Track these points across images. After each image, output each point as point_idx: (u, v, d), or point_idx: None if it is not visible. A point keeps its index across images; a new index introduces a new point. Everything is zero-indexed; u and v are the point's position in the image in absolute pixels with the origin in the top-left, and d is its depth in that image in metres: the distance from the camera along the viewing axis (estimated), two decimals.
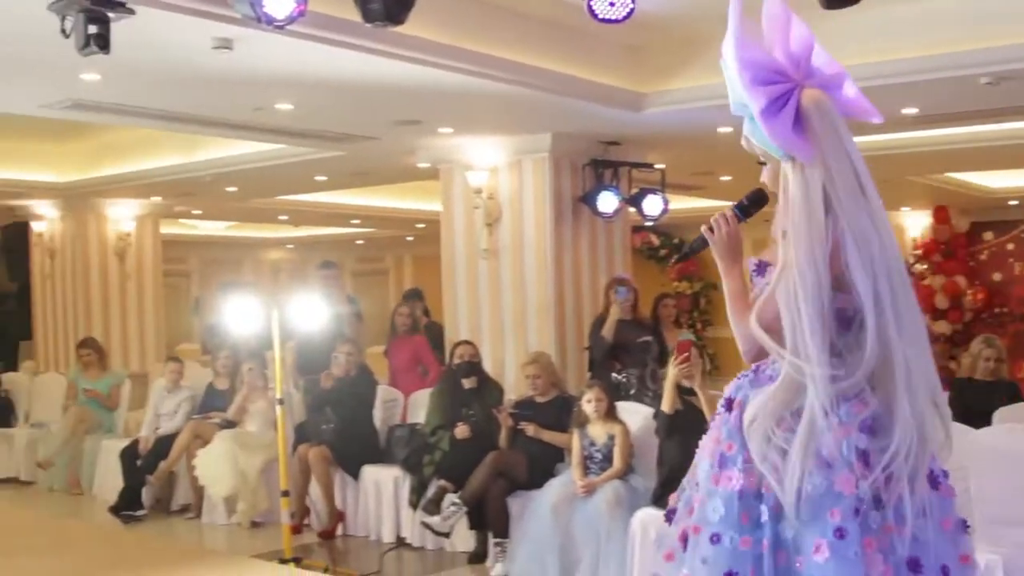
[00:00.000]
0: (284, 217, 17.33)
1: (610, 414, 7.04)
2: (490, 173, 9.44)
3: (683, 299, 18.20)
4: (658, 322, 9.00)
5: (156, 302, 14.05)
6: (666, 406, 6.51)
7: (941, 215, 15.47)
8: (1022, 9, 6.50)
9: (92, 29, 5.23)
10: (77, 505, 9.85)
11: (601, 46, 7.89)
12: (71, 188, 13.02)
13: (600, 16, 5.59)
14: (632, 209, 9.75)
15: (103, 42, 5.26)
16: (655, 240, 18.87)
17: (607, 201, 9.09)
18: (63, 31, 5.30)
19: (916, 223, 16.30)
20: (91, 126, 11.19)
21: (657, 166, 9.84)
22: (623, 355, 8.27)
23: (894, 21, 6.95)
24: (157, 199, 13.81)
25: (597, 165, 9.33)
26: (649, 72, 8.10)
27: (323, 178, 11.99)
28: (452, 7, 6.78)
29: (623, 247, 10.04)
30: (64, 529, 7.90)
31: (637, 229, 18.71)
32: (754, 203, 3.20)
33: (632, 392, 8.00)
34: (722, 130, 8.80)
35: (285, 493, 6.72)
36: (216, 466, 8.39)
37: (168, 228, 17.61)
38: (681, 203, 16.20)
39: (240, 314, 7.13)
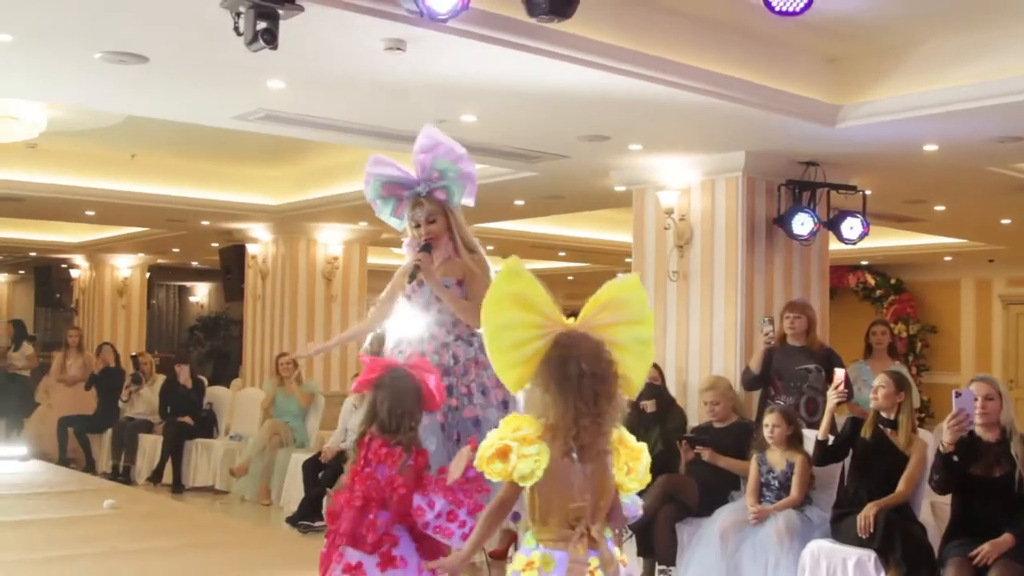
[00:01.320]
0: (491, 247, 17.42)
1: (791, 442, 6.70)
2: (681, 193, 9.18)
3: (899, 342, 17.40)
4: (869, 351, 8.67)
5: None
6: (820, 432, 6.31)
7: None
8: None
9: (260, 24, 5.29)
10: (264, 514, 10.04)
11: (797, 57, 7.56)
12: (283, 211, 13.44)
13: (776, 8, 5.32)
14: (832, 235, 9.29)
15: (270, 37, 5.31)
16: (871, 280, 18.16)
17: (803, 223, 8.68)
18: (236, 28, 5.38)
19: None
20: (302, 151, 11.53)
21: (861, 190, 9.36)
22: (780, 382, 7.87)
23: None
24: (363, 224, 14.09)
25: (794, 186, 8.94)
26: (846, 85, 7.70)
27: (521, 202, 11.95)
28: (639, 13, 6.60)
29: (819, 273, 9.57)
30: (242, 530, 8.06)
31: (853, 268, 18.10)
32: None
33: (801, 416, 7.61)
34: (928, 148, 8.31)
35: None
36: None
37: (380, 258, 18.00)
38: (898, 240, 15.55)
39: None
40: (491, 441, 3.31)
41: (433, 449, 4.65)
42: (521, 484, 3.30)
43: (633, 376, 3.44)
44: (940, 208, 11.78)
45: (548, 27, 5.82)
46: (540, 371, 3.33)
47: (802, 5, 5.27)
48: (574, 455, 3.28)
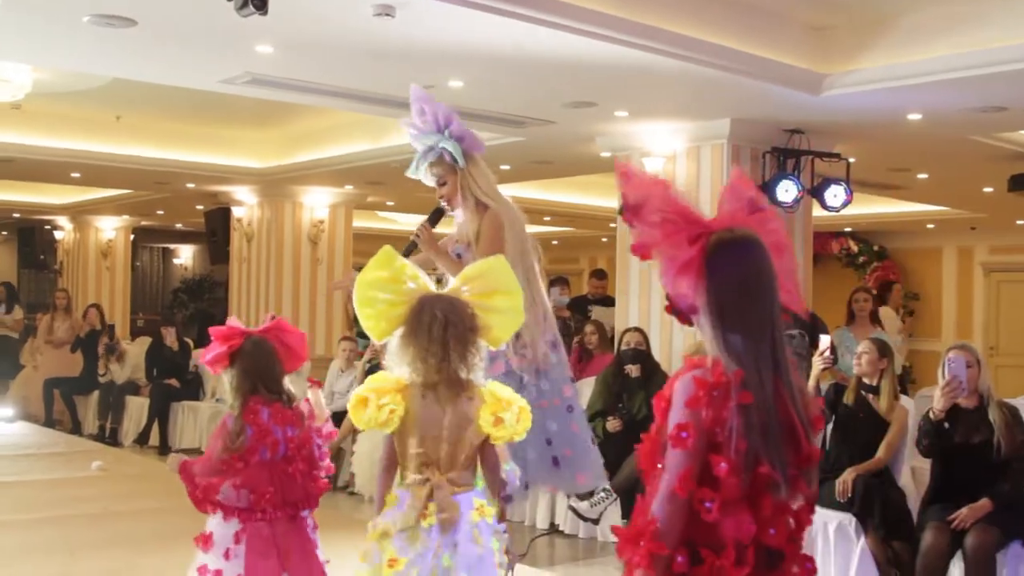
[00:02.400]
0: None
1: None
2: (667, 160, 9.23)
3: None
4: (852, 317, 8.82)
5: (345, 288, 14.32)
6: None
7: None
8: None
9: None
10: None
11: (782, 26, 7.59)
12: (269, 174, 13.44)
13: None
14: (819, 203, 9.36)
15: (260, 3, 5.32)
16: (854, 247, 18.25)
17: (787, 190, 8.74)
18: None
19: None
20: (288, 114, 11.51)
21: (845, 158, 9.42)
22: None
23: None
24: (349, 187, 14.11)
25: (779, 153, 8.99)
26: (831, 53, 7.74)
27: (507, 167, 11.97)
28: None
29: (804, 240, 9.64)
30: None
31: (837, 235, 18.18)
32: (434, 217, 5.03)
33: None
34: (912, 117, 8.37)
35: None
36: (373, 450, 8.44)
37: (366, 222, 18.02)
38: (883, 207, 15.64)
39: None
40: (357, 395, 3.56)
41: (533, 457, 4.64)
42: (384, 431, 3.56)
43: (498, 332, 3.66)
44: (923, 176, 11.86)
45: None
46: (403, 323, 3.58)
47: None
48: (431, 399, 3.53)
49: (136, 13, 6.27)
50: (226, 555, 4.18)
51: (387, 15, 6.06)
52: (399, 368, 3.57)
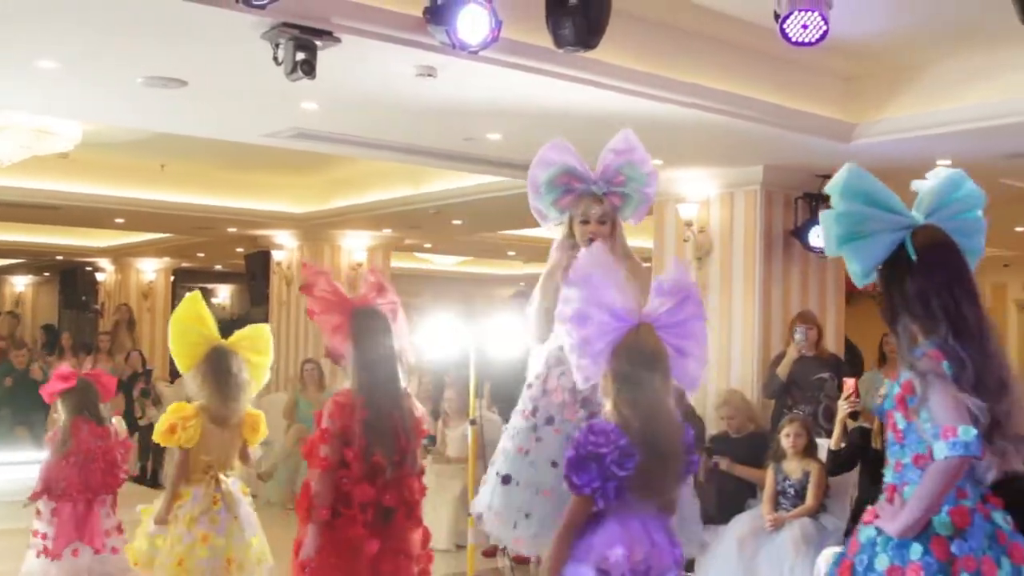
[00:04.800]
0: (512, 253, 17.65)
1: (808, 451, 6.91)
2: (701, 206, 9.40)
3: None
4: (883, 359, 8.92)
5: None
6: (832, 442, 6.50)
7: None
8: None
9: (300, 56, 5.53)
10: (290, 519, 10.22)
11: (814, 77, 7.77)
12: (308, 219, 13.70)
13: (794, 39, 5.53)
14: None
15: (309, 68, 5.55)
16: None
17: (818, 235, 8.89)
18: (275, 59, 5.62)
19: None
20: (327, 160, 11.77)
21: None
22: (796, 392, 8.09)
23: None
24: (387, 231, 14.35)
25: (810, 199, 9.15)
26: (861, 103, 7.92)
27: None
28: (662, 37, 6.82)
29: (836, 284, 9.78)
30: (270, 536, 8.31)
31: None
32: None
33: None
34: (941, 163, 8.50)
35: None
36: None
37: (403, 262, 18.25)
38: None
39: (438, 339, 7.29)
40: (164, 419, 5.66)
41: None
42: (185, 447, 5.63)
43: (253, 385, 5.91)
44: None
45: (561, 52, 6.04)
46: (199, 365, 5.76)
47: (818, 36, 5.47)
48: (217, 424, 5.68)
49: (187, 75, 6.51)
50: (48, 523, 6.37)
51: (429, 75, 6.28)
52: (196, 393, 5.73)
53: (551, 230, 5.11)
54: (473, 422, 6.85)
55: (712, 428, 8.39)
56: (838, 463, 6.60)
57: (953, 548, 2.84)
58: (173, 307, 21.13)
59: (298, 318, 14.51)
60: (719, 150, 8.40)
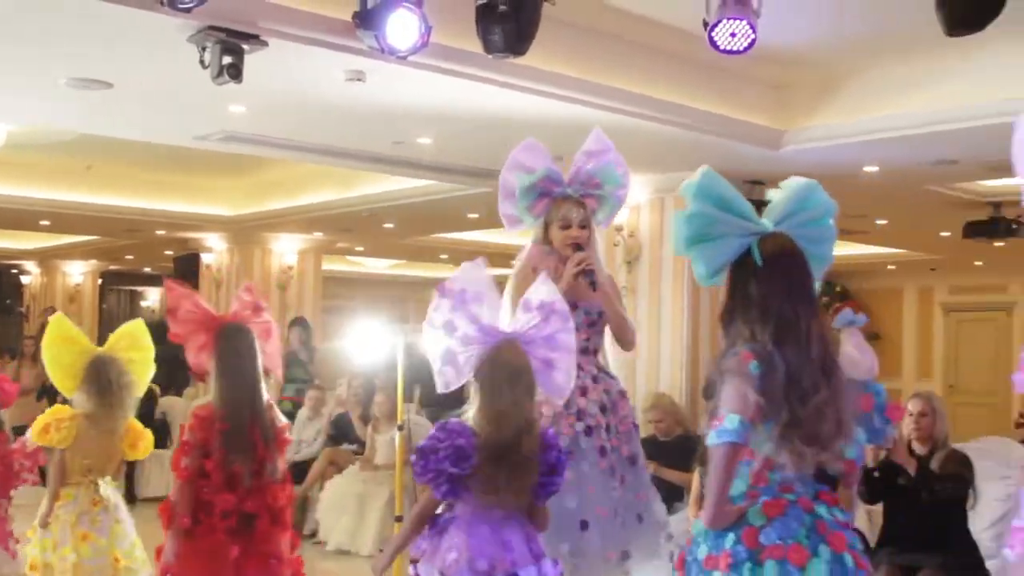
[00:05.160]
0: (444, 256, 17.61)
1: None
2: (631, 211, 9.43)
3: None
4: None
5: (315, 334, 14.45)
6: None
7: None
8: None
9: (226, 60, 5.47)
10: None
11: (744, 85, 7.83)
12: (239, 222, 13.57)
13: (722, 47, 5.54)
14: None
15: (235, 72, 5.48)
16: (817, 288, 18.49)
17: None
18: (201, 62, 5.55)
19: None
20: (258, 163, 11.66)
21: None
22: None
23: None
24: (319, 234, 14.25)
25: None
26: (790, 110, 8.00)
27: (476, 215, 12.15)
28: (592, 43, 6.82)
29: None
30: None
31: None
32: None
33: None
34: (868, 169, 8.62)
35: (399, 519, 6.80)
36: (339, 499, 8.55)
37: (336, 265, 18.14)
38: (845, 249, 15.89)
39: (367, 342, 7.23)
40: (40, 418, 5.78)
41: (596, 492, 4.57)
42: (59, 447, 5.70)
43: (139, 383, 6.00)
44: (882, 222, 12.13)
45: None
46: (81, 382, 5.79)
47: (746, 44, 5.48)
48: (97, 429, 5.77)
49: (112, 77, 6.42)
50: None
51: (358, 80, 6.24)
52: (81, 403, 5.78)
53: (513, 235, 5.11)
54: (401, 427, 6.80)
55: (641, 431, 8.38)
56: None
57: (761, 537, 2.97)
58: (101, 310, 20.87)
59: None
60: (649, 156, 8.43)
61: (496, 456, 3.65)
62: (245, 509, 4.90)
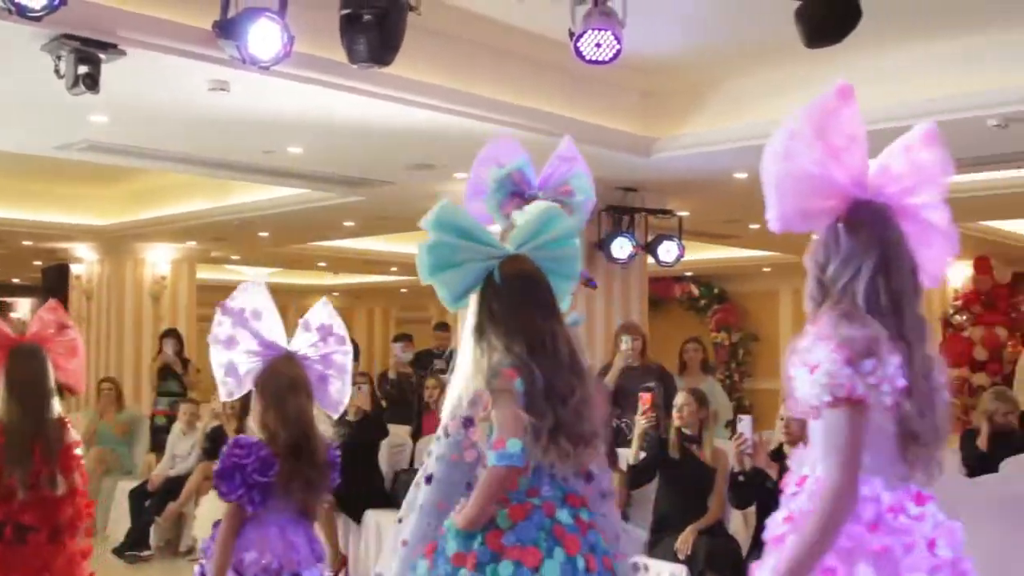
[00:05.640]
0: (323, 264, 17.44)
1: (608, 460, 6.95)
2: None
3: (721, 349, 18.06)
4: (684, 367, 9.04)
5: (189, 345, 14.16)
6: (630, 456, 6.58)
7: (982, 265, 15.21)
8: (1021, 51, 6.44)
9: (82, 69, 5.33)
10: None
11: (614, 93, 7.88)
12: (109, 232, 13.24)
13: (588, 57, 5.56)
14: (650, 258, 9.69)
15: (92, 82, 5.35)
16: (695, 291, 18.76)
17: (621, 247, 9.04)
18: (57, 71, 5.39)
19: (957, 273, 16.06)
20: (128, 172, 11.37)
21: (679, 213, 9.78)
22: (623, 401, 8.16)
23: (897, 64, 6.91)
24: (192, 243, 13.99)
25: (613, 211, 9.28)
26: (660, 118, 8.08)
27: (351, 223, 12.05)
28: (461, 52, 6.82)
29: (639, 294, 9.96)
30: None
31: (678, 279, 18.68)
32: None
33: (630, 438, 7.90)
34: (738, 176, 8.74)
35: None
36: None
37: (212, 274, 17.84)
38: (722, 252, 16.14)
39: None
40: None
41: None
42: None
43: None
44: (755, 226, 12.31)
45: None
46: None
47: (611, 55, 5.52)
48: None
49: None
50: None
51: (222, 89, 6.13)
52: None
53: None
54: None
55: None
56: (636, 476, 6.68)
57: (503, 540, 3.20)
58: None
59: (99, 334, 14.02)
60: None
61: (299, 460, 3.94)
62: (21, 521, 4.93)
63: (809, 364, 2.52)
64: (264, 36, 5.23)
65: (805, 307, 2.75)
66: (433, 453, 4.09)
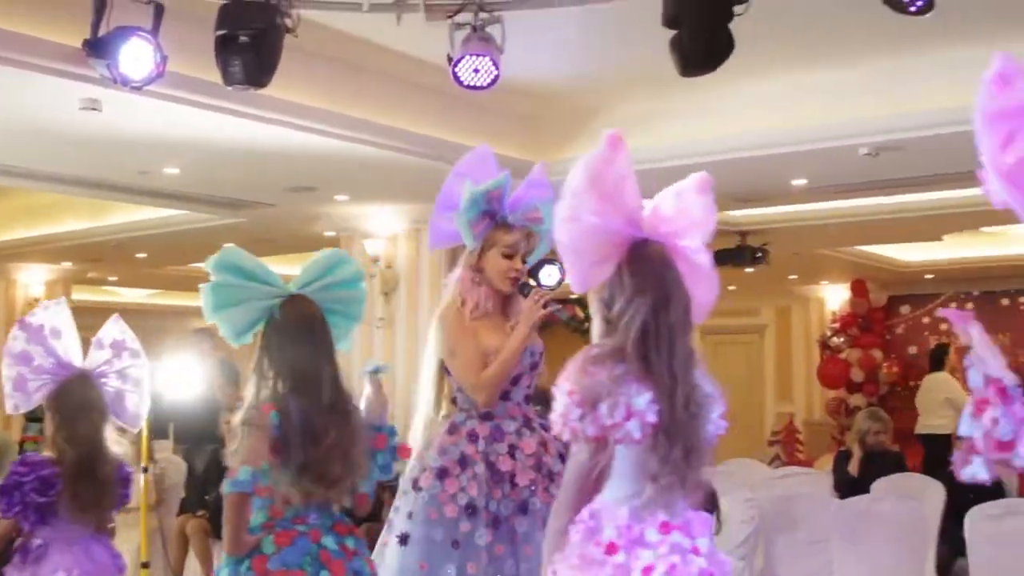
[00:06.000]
0: (204, 285, 17.13)
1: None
2: (388, 241, 9.38)
3: None
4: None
5: None
6: None
7: (859, 289, 15.56)
8: (890, 83, 6.62)
9: None
10: None
11: (493, 116, 7.88)
12: None
13: (466, 83, 5.56)
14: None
15: None
16: (580, 313, 18.86)
17: (550, 275, 9.02)
18: None
19: (835, 296, 16.43)
20: (1, 189, 11.07)
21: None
22: None
23: (772, 93, 7.04)
24: (67, 264, 13.66)
25: None
26: (542, 142, 8.11)
27: (230, 245, 11.84)
28: (341, 75, 6.77)
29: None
30: None
31: (563, 302, 18.76)
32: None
33: None
34: None
35: (145, 565, 6.56)
36: None
37: (89, 295, 17.42)
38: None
39: None
40: None
41: None
42: None
43: None
44: None
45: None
46: None
47: (488, 80, 5.52)
48: None
49: None
50: None
51: (94, 109, 6.00)
52: None
53: None
54: (145, 470, 6.56)
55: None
56: None
57: (269, 564, 3.35)
58: None
59: None
60: (404, 187, 8.40)
61: (90, 479, 4.04)
62: None
63: (558, 408, 2.61)
64: (136, 55, 5.12)
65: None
66: (401, 510, 3.99)
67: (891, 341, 15.96)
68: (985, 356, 2.29)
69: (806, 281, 16.36)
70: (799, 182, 8.25)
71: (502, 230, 4.16)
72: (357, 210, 9.30)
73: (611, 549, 2.63)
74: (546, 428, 3.99)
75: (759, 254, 11.32)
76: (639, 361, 2.62)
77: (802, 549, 6.24)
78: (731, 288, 16.93)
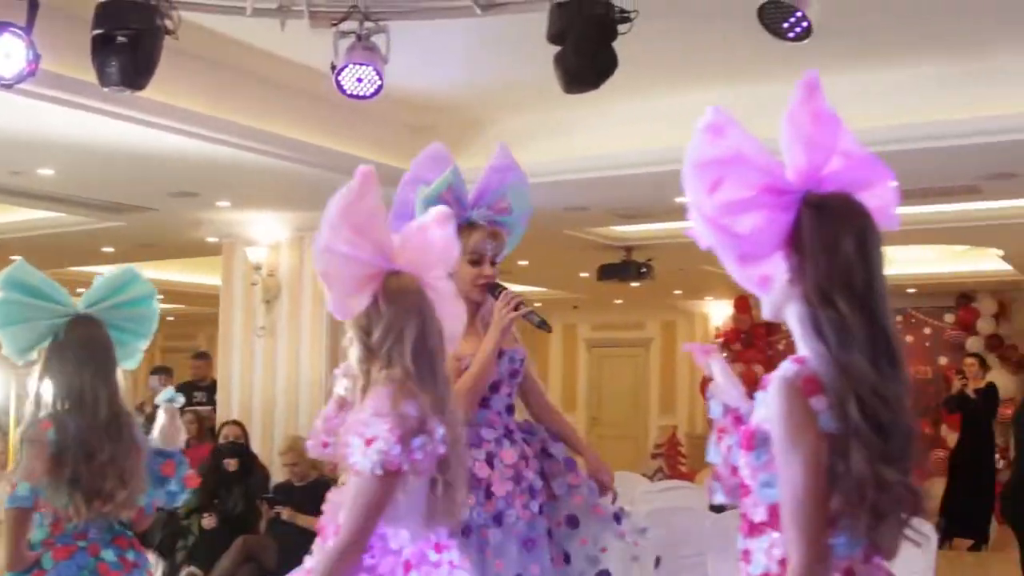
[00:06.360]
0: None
1: None
2: (271, 249, 9.26)
3: None
4: None
5: None
6: None
7: (742, 305, 15.80)
8: (769, 107, 6.69)
9: None
10: None
11: (380, 125, 7.81)
12: None
13: (349, 92, 5.49)
14: None
15: None
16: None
17: None
18: None
19: (719, 312, 16.67)
20: None
21: None
22: None
23: (660, 109, 7.10)
24: None
25: None
26: None
27: (110, 249, 11.61)
28: (221, 79, 6.64)
29: None
30: None
31: None
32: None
33: None
34: None
35: None
36: None
37: None
38: None
39: None
40: None
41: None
42: None
43: None
44: (524, 263, 12.44)
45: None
46: None
47: (372, 90, 5.46)
48: None
49: None
50: None
51: None
52: None
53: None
54: None
55: (278, 476, 8.22)
56: None
57: None
58: None
59: None
60: (286, 194, 8.30)
61: None
62: None
63: (366, 437, 2.66)
64: (7, 52, 4.95)
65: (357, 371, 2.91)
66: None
67: (773, 357, 16.20)
68: (726, 387, 2.62)
69: (691, 296, 16.57)
70: (682, 199, 8.30)
71: (464, 233, 3.70)
72: (240, 216, 9.15)
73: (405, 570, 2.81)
74: (528, 442, 3.88)
75: (644, 269, 11.42)
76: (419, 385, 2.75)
77: (680, 563, 6.28)
78: (617, 302, 17.10)
